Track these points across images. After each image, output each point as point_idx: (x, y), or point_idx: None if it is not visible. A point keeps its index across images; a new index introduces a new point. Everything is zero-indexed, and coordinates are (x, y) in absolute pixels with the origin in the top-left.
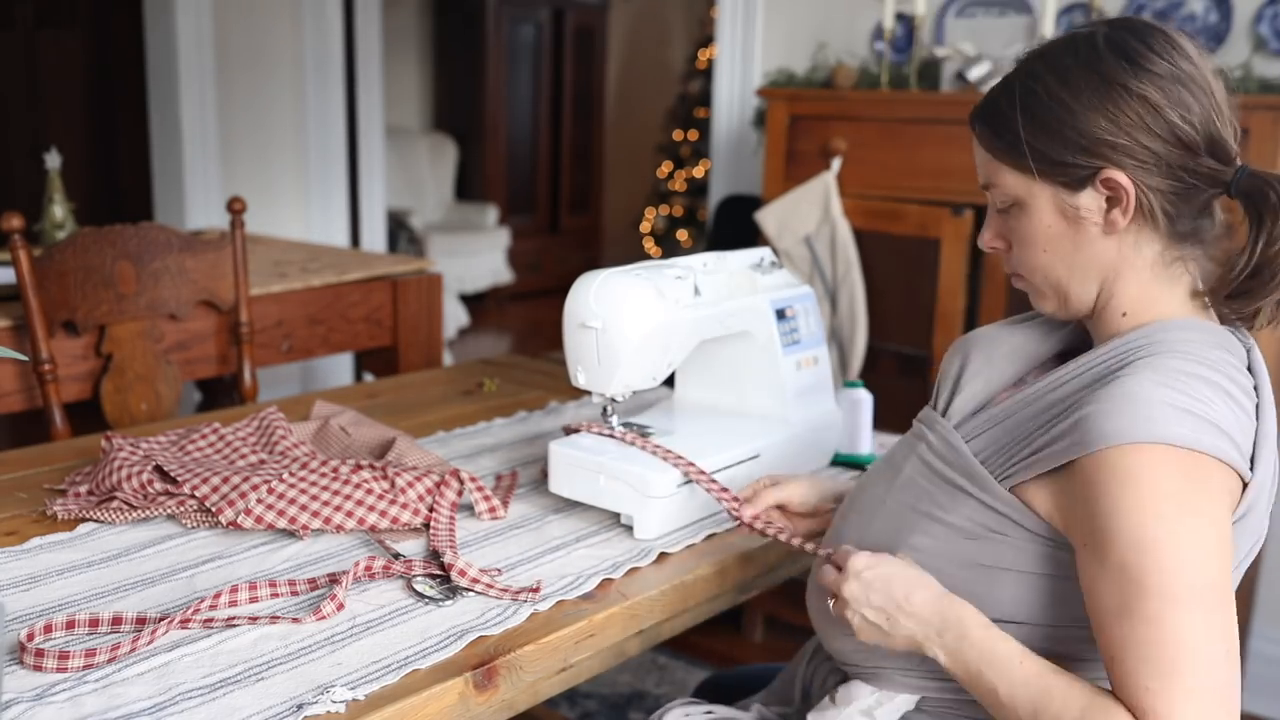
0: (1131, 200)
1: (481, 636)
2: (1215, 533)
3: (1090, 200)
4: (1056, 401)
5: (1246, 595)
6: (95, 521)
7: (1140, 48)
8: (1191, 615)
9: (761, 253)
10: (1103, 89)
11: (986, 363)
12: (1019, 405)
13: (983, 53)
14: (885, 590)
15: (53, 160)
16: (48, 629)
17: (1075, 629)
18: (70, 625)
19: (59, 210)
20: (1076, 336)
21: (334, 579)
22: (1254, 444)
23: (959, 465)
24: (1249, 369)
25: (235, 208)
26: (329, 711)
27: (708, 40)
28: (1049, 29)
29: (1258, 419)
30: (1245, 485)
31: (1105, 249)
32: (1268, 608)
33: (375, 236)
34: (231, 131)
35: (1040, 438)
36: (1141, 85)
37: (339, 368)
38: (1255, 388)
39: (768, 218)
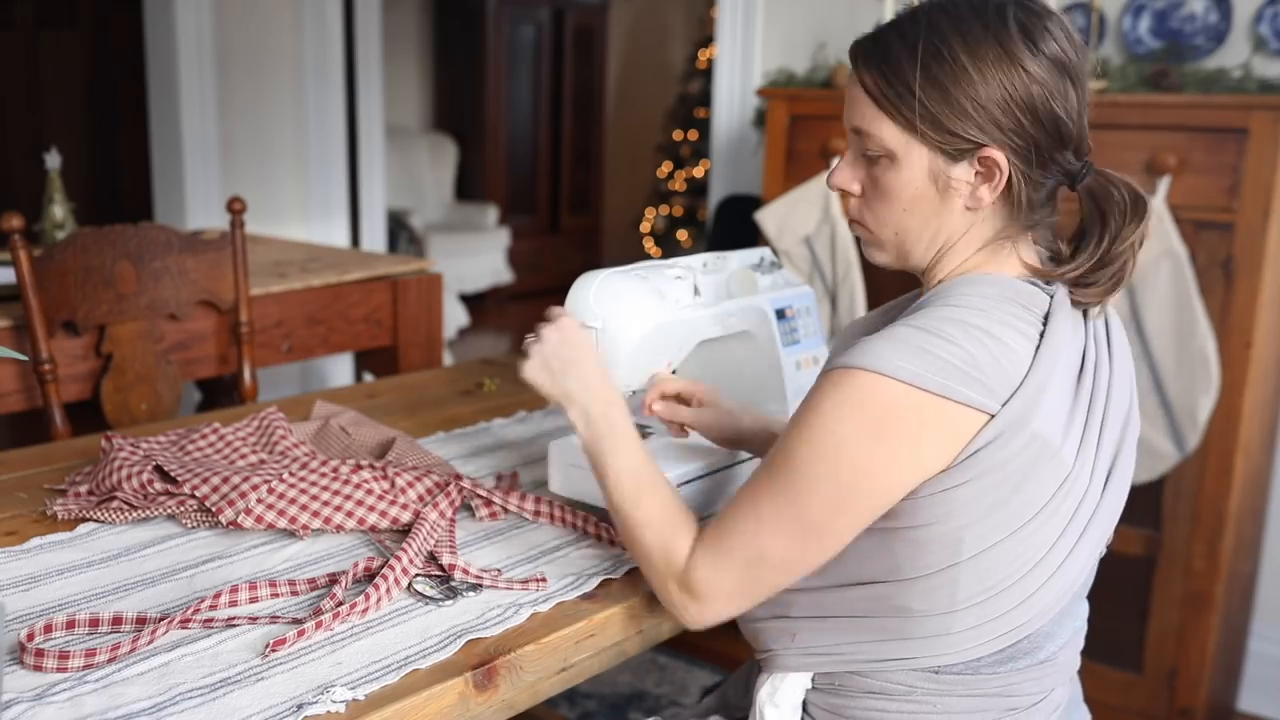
0: (1003, 181)
1: (481, 637)
2: (879, 458)
3: (964, 173)
4: None
5: (1246, 595)
6: (95, 521)
7: (1042, 29)
8: (773, 510)
9: (761, 253)
10: (1005, 66)
11: (843, 343)
12: None
13: None
14: (577, 352)
15: (53, 160)
16: (48, 629)
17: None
18: (70, 625)
19: (59, 210)
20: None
21: (334, 579)
22: (1020, 383)
23: None
24: (1045, 318)
25: (235, 208)
26: (329, 711)
27: (708, 40)
28: None
29: (1033, 362)
30: (993, 419)
31: (959, 221)
32: (1268, 608)
33: (375, 236)
34: (231, 131)
35: None
36: (1040, 68)
37: (339, 368)
38: (1042, 334)
39: (768, 218)
